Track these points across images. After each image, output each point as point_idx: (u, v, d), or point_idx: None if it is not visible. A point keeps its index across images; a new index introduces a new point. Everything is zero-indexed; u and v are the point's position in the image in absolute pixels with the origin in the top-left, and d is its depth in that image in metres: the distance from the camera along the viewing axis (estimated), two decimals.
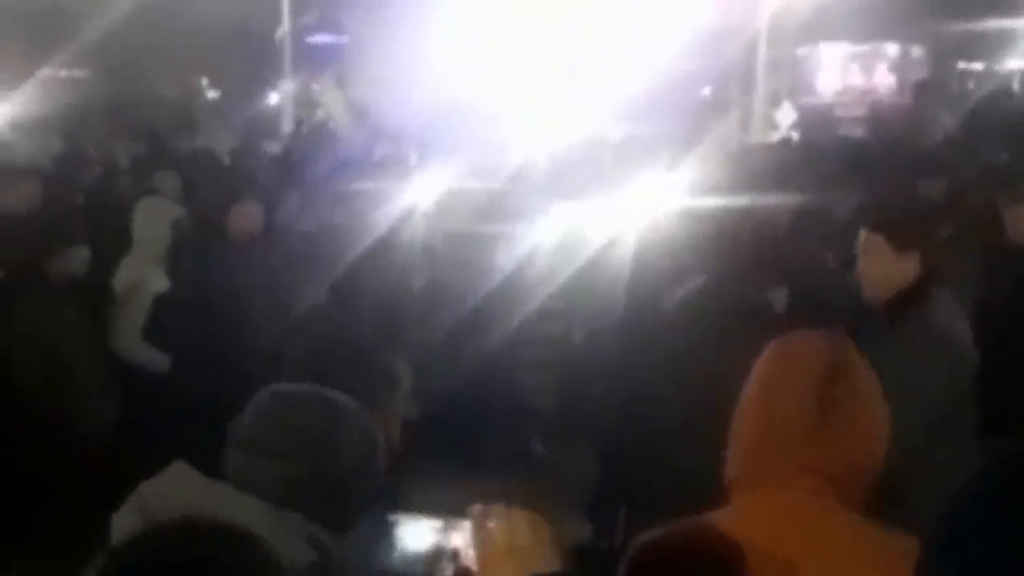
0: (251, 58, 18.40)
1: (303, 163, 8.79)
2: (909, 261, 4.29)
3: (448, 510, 2.48)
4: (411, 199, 6.49)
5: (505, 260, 5.61)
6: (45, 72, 14.22)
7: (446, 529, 2.19)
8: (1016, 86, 13.24)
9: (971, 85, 14.45)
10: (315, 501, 2.24)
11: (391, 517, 2.19)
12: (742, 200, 5.50)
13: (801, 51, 17.19)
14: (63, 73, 16.98)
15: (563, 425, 6.46)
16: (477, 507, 1.96)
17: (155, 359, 6.18)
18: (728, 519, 2.25)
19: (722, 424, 3.92)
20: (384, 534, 2.20)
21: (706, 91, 16.15)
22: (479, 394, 5.19)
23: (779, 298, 4.81)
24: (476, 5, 14.39)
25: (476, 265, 5.71)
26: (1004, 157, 7.87)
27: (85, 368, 5.67)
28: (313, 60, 16.51)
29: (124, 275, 6.35)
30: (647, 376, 4.48)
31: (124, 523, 2.29)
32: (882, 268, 4.33)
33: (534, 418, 6.30)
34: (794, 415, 2.32)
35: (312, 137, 10.10)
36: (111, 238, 6.53)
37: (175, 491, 2.27)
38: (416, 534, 2.25)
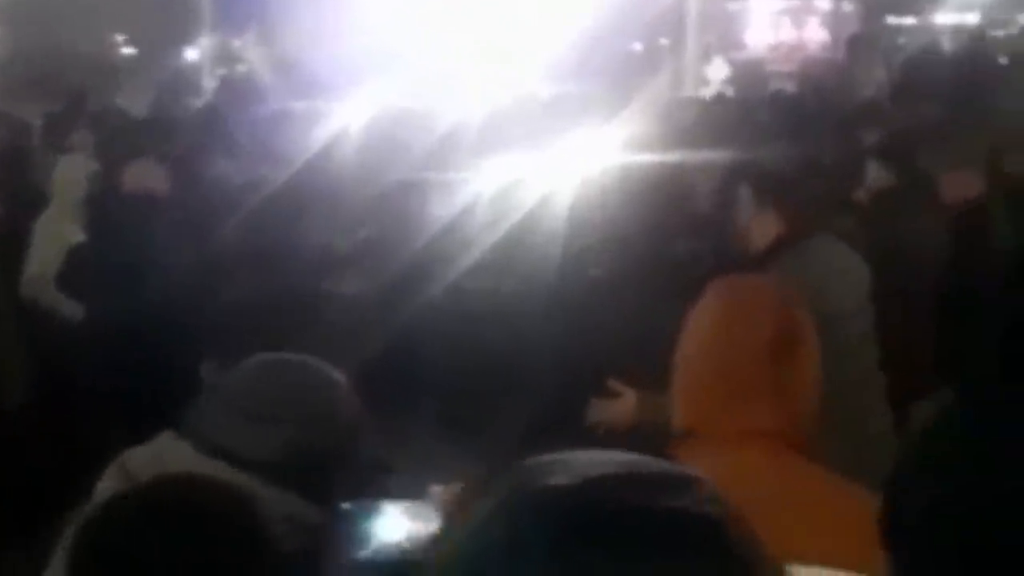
0: (169, 13, 17.97)
1: (228, 119, 8.59)
2: (769, 217, 4.39)
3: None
4: (335, 145, 6.44)
5: (442, 211, 5.51)
6: None
7: (418, 516, 2.16)
8: (945, 42, 13.34)
9: (901, 40, 14.61)
10: (306, 468, 2.23)
11: (365, 503, 2.18)
12: (673, 156, 5.51)
13: (732, 5, 17.22)
14: None
15: (498, 380, 6.36)
16: (437, 489, 1.89)
17: (68, 305, 6.20)
18: None
19: (650, 379, 3.90)
20: (359, 522, 2.18)
21: (636, 46, 16.06)
22: (413, 347, 5.10)
23: (706, 252, 4.83)
24: None
25: (413, 216, 5.60)
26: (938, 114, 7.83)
27: None
28: (234, 14, 16.12)
29: (42, 228, 6.45)
30: (575, 331, 4.50)
31: (107, 491, 2.26)
32: (744, 224, 4.48)
33: (463, 373, 6.23)
34: (748, 365, 2.25)
35: (236, 92, 9.86)
36: (23, 194, 6.64)
37: (164, 461, 2.26)
38: (391, 522, 2.22)
